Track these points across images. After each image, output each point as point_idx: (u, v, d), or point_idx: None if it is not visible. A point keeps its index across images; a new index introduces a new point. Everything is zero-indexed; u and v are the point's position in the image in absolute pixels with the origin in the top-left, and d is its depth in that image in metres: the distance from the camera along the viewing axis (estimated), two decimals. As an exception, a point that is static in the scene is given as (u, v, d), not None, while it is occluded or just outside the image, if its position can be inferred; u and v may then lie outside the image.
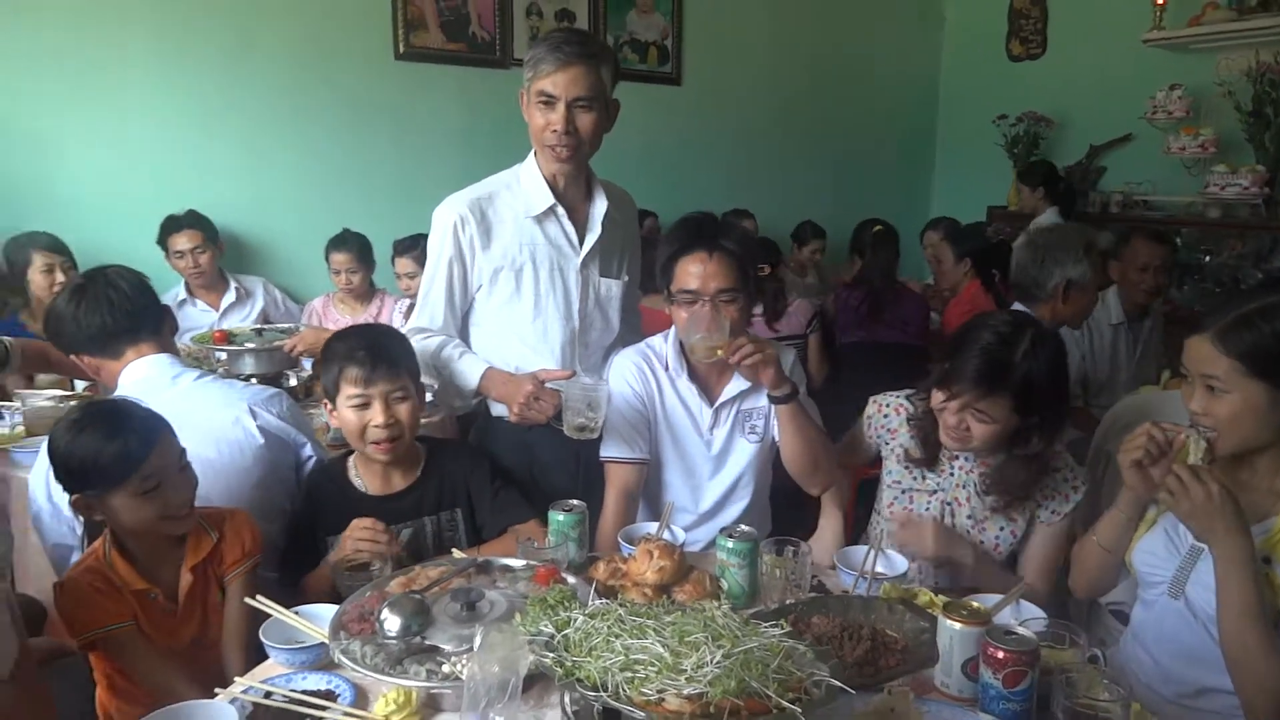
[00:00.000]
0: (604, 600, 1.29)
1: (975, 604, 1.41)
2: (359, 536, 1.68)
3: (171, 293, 3.58)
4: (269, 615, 1.48)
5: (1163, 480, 1.49)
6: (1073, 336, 3.09)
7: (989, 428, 1.74)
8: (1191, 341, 1.50)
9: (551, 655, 1.16)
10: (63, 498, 1.66)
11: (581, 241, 2.10)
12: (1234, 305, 1.47)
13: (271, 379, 2.81)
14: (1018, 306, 2.89)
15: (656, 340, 2.13)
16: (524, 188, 2.08)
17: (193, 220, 3.53)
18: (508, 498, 1.97)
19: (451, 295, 2.09)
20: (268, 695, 1.33)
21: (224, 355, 2.87)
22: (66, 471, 1.54)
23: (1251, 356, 1.42)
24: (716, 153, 5.20)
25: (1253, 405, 1.44)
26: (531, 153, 2.09)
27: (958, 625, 1.34)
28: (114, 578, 1.55)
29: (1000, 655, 1.26)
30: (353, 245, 3.76)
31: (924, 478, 1.94)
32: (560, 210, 2.06)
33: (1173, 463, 1.50)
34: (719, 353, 1.84)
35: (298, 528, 1.91)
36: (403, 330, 2.06)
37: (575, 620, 1.22)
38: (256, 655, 1.49)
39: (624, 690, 1.08)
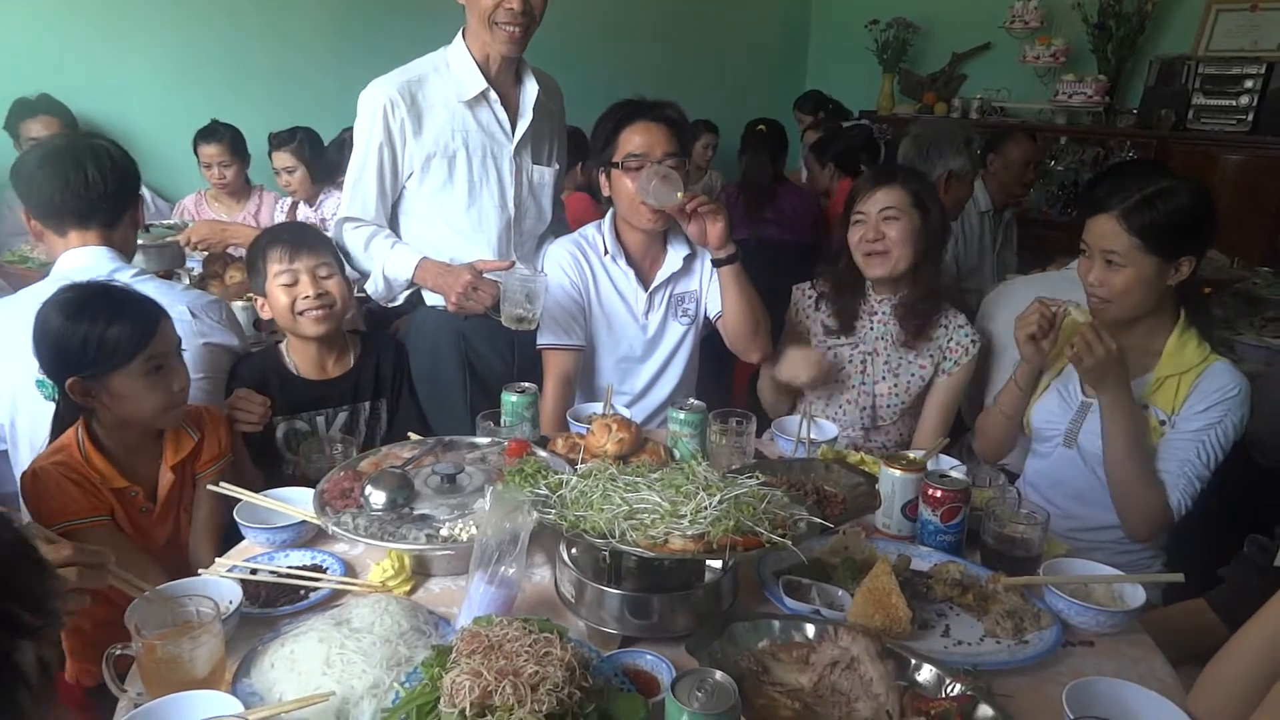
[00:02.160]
0: (595, 461, 1.37)
1: (911, 455, 1.59)
2: (237, 406, 1.74)
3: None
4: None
5: (1052, 350, 1.76)
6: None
7: (899, 222, 2.00)
8: (1096, 220, 1.69)
9: (554, 511, 1.24)
10: None
11: (514, 128, 2.08)
12: (1135, 188, 1.65)
13: (162, 279, 2.65)
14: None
15: (589, 229, 2.16)
16: (454, 71, 2.02)
17: (47, 105, 3.19)
18: (409, 411, 2.01)
19: (383, 183, 2.04)
20: (253, 573, 1.34)
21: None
22: (63, 353, 1.44)
23: (1149, 234, 1.62)
24: (597, 55, 5.10)
25: (1143, 277, 1.66)
26: (459, 34, 2.04)
27: (898, 473, 1.51)
28: (90, 473, 1.47)
29: (939, 494, 1.44)
30: (223, 136, 3.52)
31: (844, 339, 2.15)
32: (493, 95, 2.03)
33: (1058, 334, 1.73)
34: (679, 195, 1.91)
35: None
36: (333, 220, 2.02)
37: (569, 481, 1.29)
38: (225, 547, 1.49)
39: (630, 536, 1.17)
